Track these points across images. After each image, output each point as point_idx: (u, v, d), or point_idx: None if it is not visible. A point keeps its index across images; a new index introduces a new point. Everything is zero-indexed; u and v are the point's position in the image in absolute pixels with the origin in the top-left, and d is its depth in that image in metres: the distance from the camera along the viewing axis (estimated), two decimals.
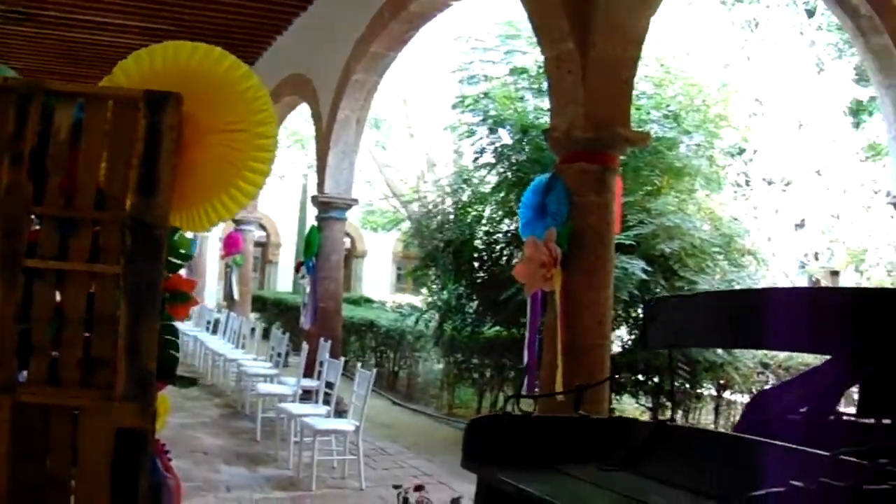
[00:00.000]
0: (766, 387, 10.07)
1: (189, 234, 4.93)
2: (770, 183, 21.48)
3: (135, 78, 4.42)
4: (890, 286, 17.18)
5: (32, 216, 4.11)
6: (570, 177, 7.74)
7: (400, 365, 18.69)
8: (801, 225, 21.65)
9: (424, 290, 18.96)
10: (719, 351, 12.74)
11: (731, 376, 13.25)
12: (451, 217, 14.83)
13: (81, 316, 4.12)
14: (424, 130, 28.28)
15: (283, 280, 35.71)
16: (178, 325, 15.08)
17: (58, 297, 4.17)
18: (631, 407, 13.80)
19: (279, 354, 14.41)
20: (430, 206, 16.13)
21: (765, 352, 14.46)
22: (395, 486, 7.02)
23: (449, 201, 15.42)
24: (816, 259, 21.31)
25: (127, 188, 4.09)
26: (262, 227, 33.62)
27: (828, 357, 4.74)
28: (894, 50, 11.37)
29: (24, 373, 4.11)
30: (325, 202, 14.72)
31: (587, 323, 7.56)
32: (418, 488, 6.82)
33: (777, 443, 3.75)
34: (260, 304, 27.11)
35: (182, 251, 4.59)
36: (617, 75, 7.92)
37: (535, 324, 8.10)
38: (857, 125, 21.37)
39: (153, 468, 4.27)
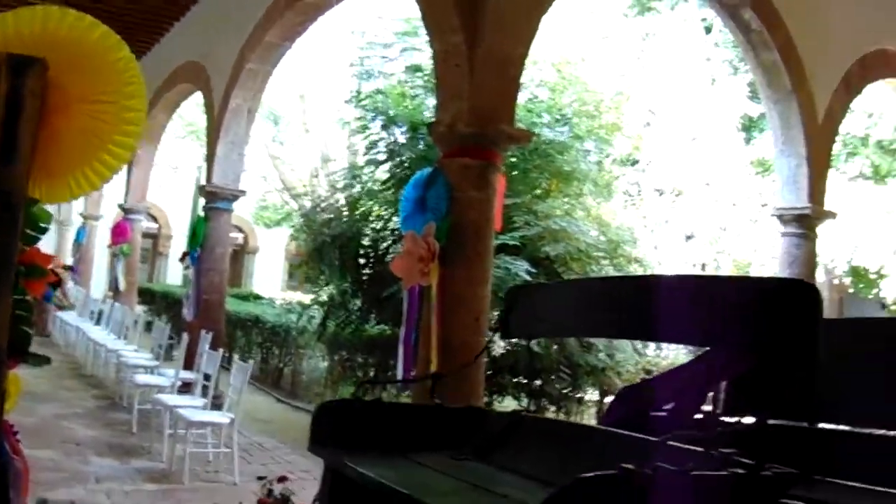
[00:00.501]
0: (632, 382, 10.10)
1: (57, 213, 4.76)
2: (661, 193, 21.74)
3: None
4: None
5: None
6: (451, 171, 7.70)
7: (285, 361, 18.52)
8: (691, 236, 21.93)
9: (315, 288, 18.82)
10: (601, 355, 12.85)
11: (612, 381, 13.36)
12: (341, 213, 14.74)
13: None
14: (320, 126, 28.10)
15: (174, 272, 35.13)
16: (63, 315, 14.76)
17: None
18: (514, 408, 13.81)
19: (160, 346, 14.17)
20: (320, 201, 16.01)
21: (648, 358, 14.66)
22: (260, 478, 6.95)
23: (339, 197, 15.33)
24: (704, 269, 21.59)
25: None
26: (153, 219, 33.07)
27: (699, 354, 4.74)
28: (782, 66, 11.61)
29: None
30: (213, 192, 14.42)
31: (464, 319, 7.51)
32: (282, 479, 6.75)
33: (623, 432, 3.73)
34: (148, 296, 26.69)
35: (41, 224, 4.44)
36: (504, 72, 7.89)
37: (412, 319, 8.03)
38: (748, 140, 21.71)
39: (1, 450, 4.10)
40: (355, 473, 3.73)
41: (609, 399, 14.08)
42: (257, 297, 28.36)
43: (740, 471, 2.94)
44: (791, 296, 3.31)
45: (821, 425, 4.87)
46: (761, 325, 3.35)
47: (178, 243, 34.82)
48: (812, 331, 3.17)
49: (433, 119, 11.68)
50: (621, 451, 3.46)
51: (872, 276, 18.57)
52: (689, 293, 3.99)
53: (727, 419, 4.69)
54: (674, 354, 17.64)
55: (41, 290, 4.56)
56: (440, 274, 7.48)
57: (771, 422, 4.83)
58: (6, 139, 3.86)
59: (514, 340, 13.04)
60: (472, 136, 7.60)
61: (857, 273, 18.93)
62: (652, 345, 16.39)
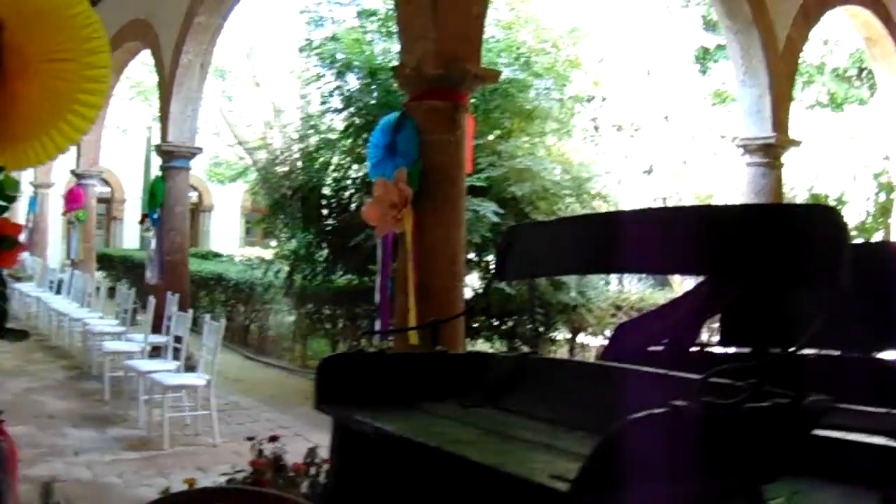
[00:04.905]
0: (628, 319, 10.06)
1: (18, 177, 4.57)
2: (619, 129, 21.64)
3: None
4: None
5: None
6: (419, 115, 7.57)
7: (251, 318, 18.36)
8: (649, 171, 21.88)
9: (274, 242, 18.63)
10: (573, 293, 12.78)
11: (584, 318, 13.32)
12: (299, 165, 14.55)
13: None
14: (271, 78, 27.76)
15: (130, 237, 34.84)
16: (20, 286, 14.49)
17: None
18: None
19: (125, 311, 13.96)
20: (277, 154, 15.78)
21: (617, 293, 14.62)
22: (249, 439, 6.80)
23: (296, 148, 15.12)
24: (664, 203, 21.56)
25: None
26: (106, 183, 32.56)
27: (687, 289, 4.66)
28: None
29: None
30: (169, 151, 14.21)
31: (439, 264, 7.41)
32: (272, 439, 6.63)
33: (643, 368, 3.62)
34: (106, 261, 26.34)
35: (8, 193, 4.26)
36: (468, 11, 7.74)
37: (386, 266, 7.93)
38: (703, 72, 21.65)
39: None
40: (369, 428, 3.59)
41: (581, 337, 14.08)
42: (216, 255, 28.14)
43: (783, 401, 2.85)
44: (819, 221, 3.20)
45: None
46: (796, 254, 3.24)
47: (133, 207, 34.52)
48: (839, 255, 3.06)
49: (396, 63, 11.62)
50: (629, 386, 3.38)
51: (833, 203, 18.59)
52: (686, 223, 3.89)
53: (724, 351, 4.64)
54: (639, 288, 17.67)
55: (13, 262, 4.38)
56: (413, 219, 7.37)
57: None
58: None
59: (482, 284, 13.07)
60: (438, 77, 7.46)
61: (817, 200, 18.94)
62: (614, 280, 16.39)
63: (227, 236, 37.38)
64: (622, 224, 4.20)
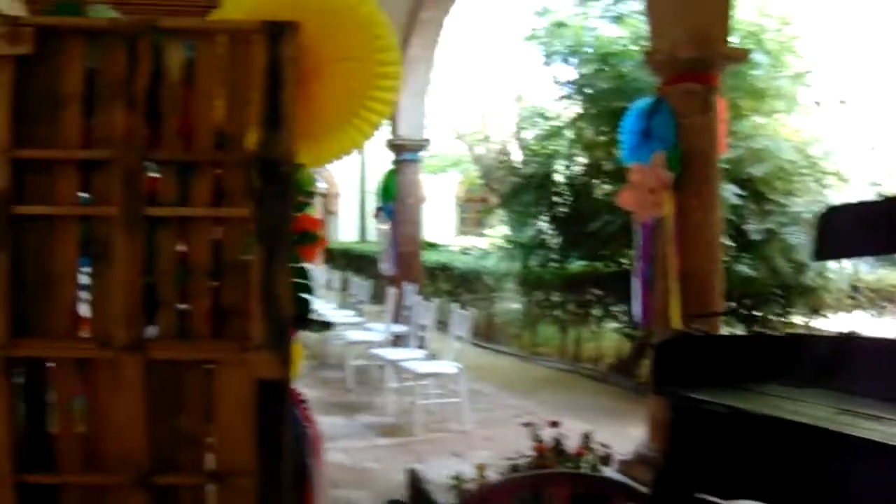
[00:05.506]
0: None
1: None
2: (844, 103, 20.92)
3: (245, 7, 4.17)
4: None
5: (148, 162, 3.84)
6: (674, 98, 7.49)
7: (477, 307, 18.51)
8: (875, 146, 21.12)
9: (489, 231, 18.74)
10: (811, 273, 12.46)
11: (822, 300, 12.96)
12: (522, 154, 14.69)
13: (208, 264, 3.88)
14: (483, 71, 27.90)
15: (346, 230, 35.68)
16: None
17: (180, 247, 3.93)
18: None
19: (361, 302, 14.30)
20: (502, 144, 15.96)
21: (854, 274, 14.16)
22: (526, 424, 6.87)
23: (521, 137, 15.26)
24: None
25: (246, 126, 3.83)
26: (322, 179, 33.40)
27: None
28: None
29: (151, 328, 3.86)
30: (400, 145, 14.55)
31: (698, 247, 7.37)
32: (553, 424, 6.67)
33: None
34: (327, 255, 26.93)
35: (308, 189, 4.40)
36: None
37: (647, 252, 7.85)
38: None
39: (294, 419, 4.08)
40: (726, 409, 3.56)
41: (815, 321, 13.67)
42: (431, 245, 28.43)
43: None
44: None
45: None
46: None
47: (348, 200, 35.35)
48: None
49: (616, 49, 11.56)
50: None
51: None
52: None
53: None
54: (866, 269, 17.11)
55: (315, 256, 4.52)
56: (675, 203, 7.33)
57: None
58: (270, 108, 3.80)
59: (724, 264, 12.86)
60: (692, 60, 7.38)
61: None
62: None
63: (440, 226, 37.75)
64: None
